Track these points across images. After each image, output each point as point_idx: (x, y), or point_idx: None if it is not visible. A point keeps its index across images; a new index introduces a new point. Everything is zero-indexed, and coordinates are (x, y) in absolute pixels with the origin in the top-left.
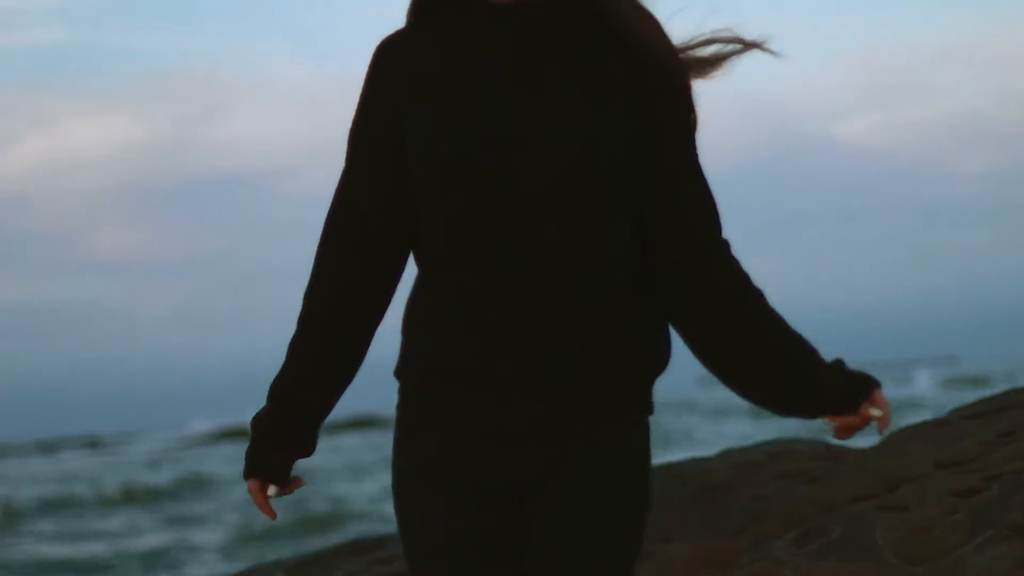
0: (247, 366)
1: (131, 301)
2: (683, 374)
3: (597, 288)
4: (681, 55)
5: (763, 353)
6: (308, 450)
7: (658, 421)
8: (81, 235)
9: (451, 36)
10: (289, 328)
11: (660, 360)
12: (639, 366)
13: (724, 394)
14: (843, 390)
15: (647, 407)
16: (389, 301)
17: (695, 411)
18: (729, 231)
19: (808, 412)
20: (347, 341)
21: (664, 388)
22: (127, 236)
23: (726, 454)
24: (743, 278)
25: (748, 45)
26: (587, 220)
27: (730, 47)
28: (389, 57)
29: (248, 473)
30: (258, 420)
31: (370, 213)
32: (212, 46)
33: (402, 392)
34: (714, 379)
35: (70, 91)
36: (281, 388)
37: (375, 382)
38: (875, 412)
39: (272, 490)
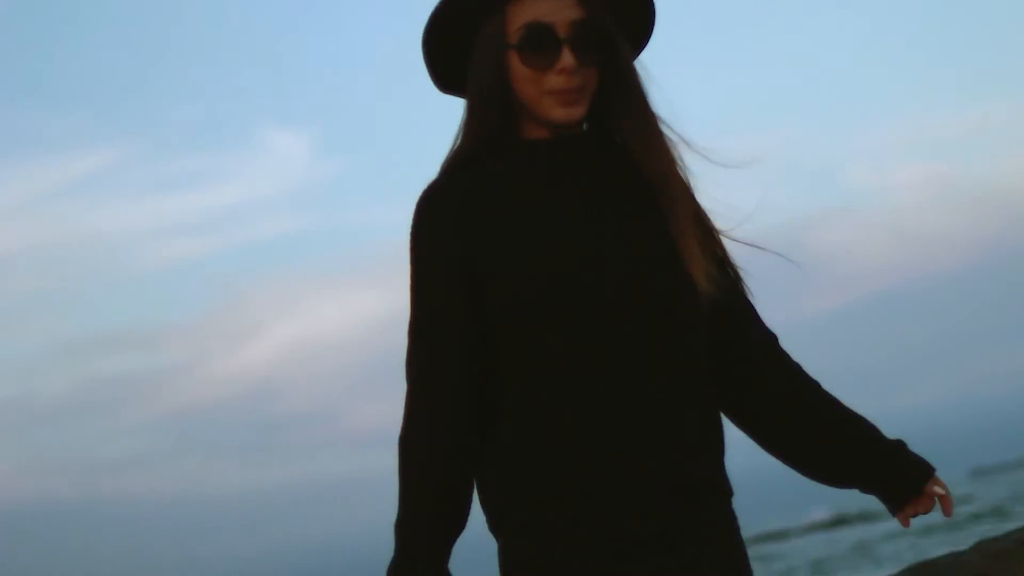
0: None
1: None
2: None
3: (695, 418)
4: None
5: (824, 436)
6: None
7: None
8: (338, 411)
9: (499, 173)
10: None
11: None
12: (721, 463)
13: None
14: (907, 470)
15: (730, 491)
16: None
17: None
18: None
19: (871, 488)
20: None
21: None
22: (382, 409)
23: (979, 545)
24: (799, 370)
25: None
26: (688, 339)
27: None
28: (438, 205)
29: None
30: None
31: (466, 363)
32: None
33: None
34: None
35: (310, 274)
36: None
37: None
38: (939, 490)
39: None
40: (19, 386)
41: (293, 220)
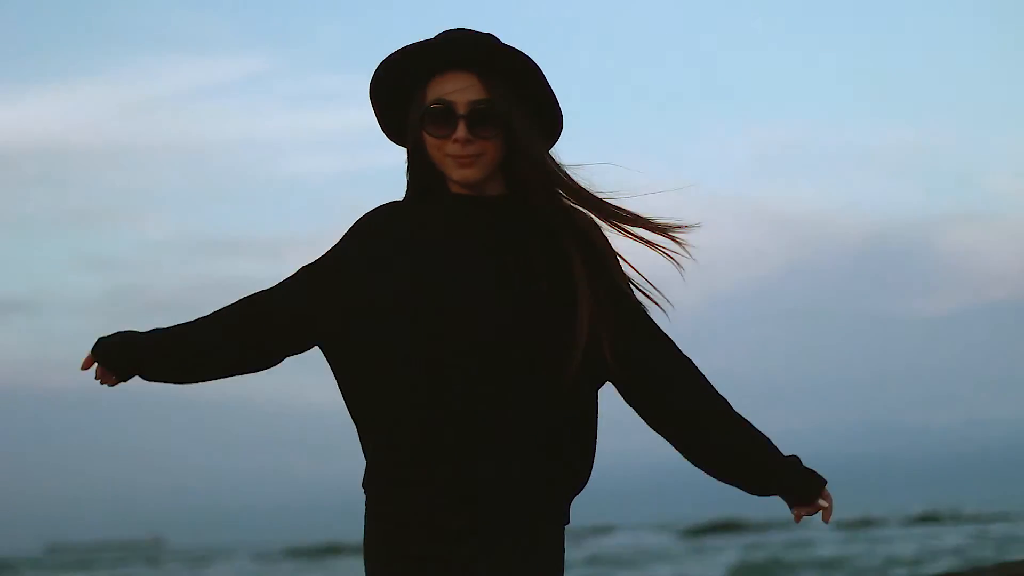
0: None
1: None
2: None
3: (511, 456)
4: (619, 226)
5: (735, 446)
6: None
7: None
8: None
9: (421, 219)
10: None
11: (575, 480)
12: (550, 483)
13: None
14: (804, 482)
15: (560, 519)
16: (234, 368)
17: None
18: None
19: (774, 492)
20: (204, 356)
21: None
22: None
23: (1003, 566)
24: (711, 392)
25: (663, 232)
26: (511, 374)
27: (651, 235)
28: (366, 230)
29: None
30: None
31: (270, 313)
32: None
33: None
34: None
35: None
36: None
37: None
38: (823, 503)
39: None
40: (136, 274)
41: None
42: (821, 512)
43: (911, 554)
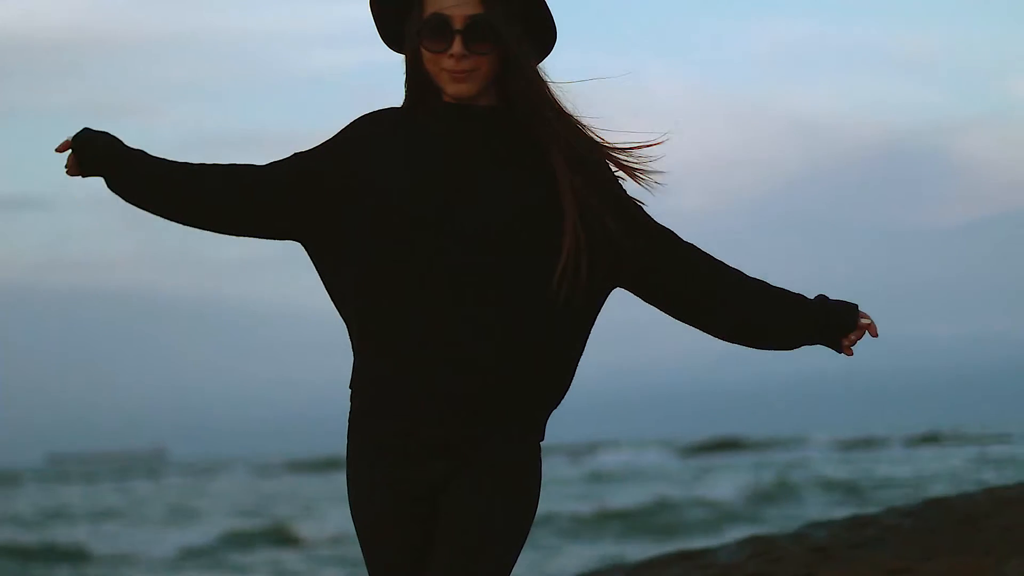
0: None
1: None
2: None
3: (494, 349)
4: (602, 149)
5: (765, 310)
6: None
7: None
8: None
9: (415, 126)
10: None
11: (554, 394)
12: (529, 396)
13: None
14: (841, 312)
15: (537, 431)
16: (216, 221)
17: None
18: None
19: (818, 337)
20: (190, 195)
21: None
22: None
23: (991, 490)
24: (723, 266)
25: (629, 158)
26: (504, 278)
27: (623, 157)
28: (361, 131)
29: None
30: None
31: (254, 185)
32: None
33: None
34: None
35: None
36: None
37: (736, 405)
38: (865, 320)
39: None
40: None
41: None
42: (868, 330)
43: (908, 476)
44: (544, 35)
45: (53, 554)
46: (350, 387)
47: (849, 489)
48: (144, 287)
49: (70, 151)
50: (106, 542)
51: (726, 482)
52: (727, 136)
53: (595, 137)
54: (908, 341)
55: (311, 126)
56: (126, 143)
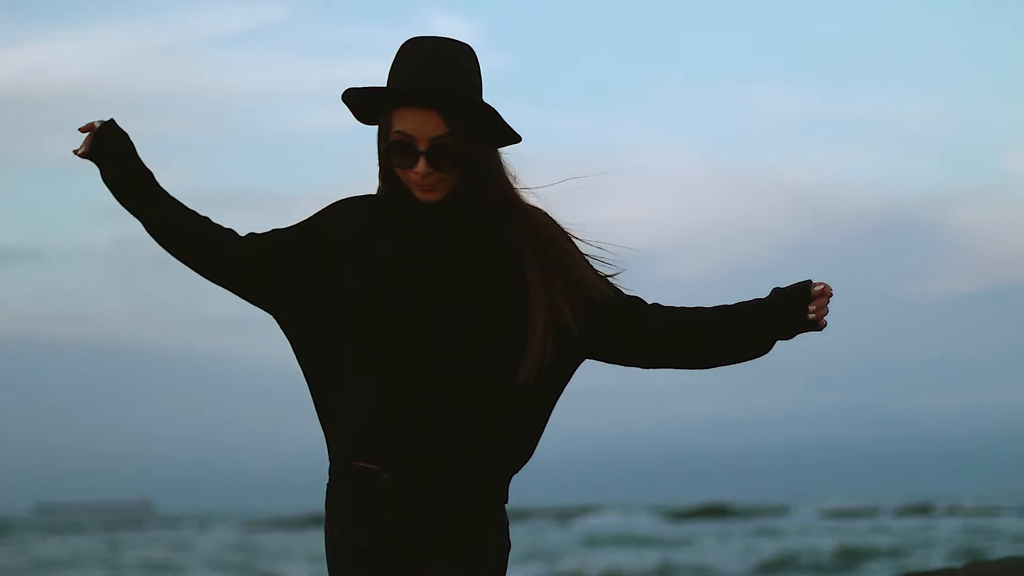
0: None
1: None
2: None
3: (463, 430)
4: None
5: (728, 325)
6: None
7: None
8: None
9: (388, 213)
10: None
11: (515, 460)
12: (490, 461)
13: None
14: (795, 293)
15: (499, 493)
16: (201, 263)
17: None
18: None
19: (784, 325)
20: (180, 232)
21: None
22: None
23: (976, 565)
24: (679, 308)
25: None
26: (464, 355)
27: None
28: (337, 214)
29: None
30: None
31: (234, 256)
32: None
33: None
34: None
35: None
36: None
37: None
38: (818, 287)
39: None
40: (137, 227)
41: None
42: (823, 293)
43: (891, 546)
44: (511, 137)
45: None
46: (329, 454)
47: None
48: (134, 340)
49: (90, 133)
50: None
51: (724, 549)
52: (724, 205)
53: (565, 238)
54: (901, 411)
55: (306, 186)
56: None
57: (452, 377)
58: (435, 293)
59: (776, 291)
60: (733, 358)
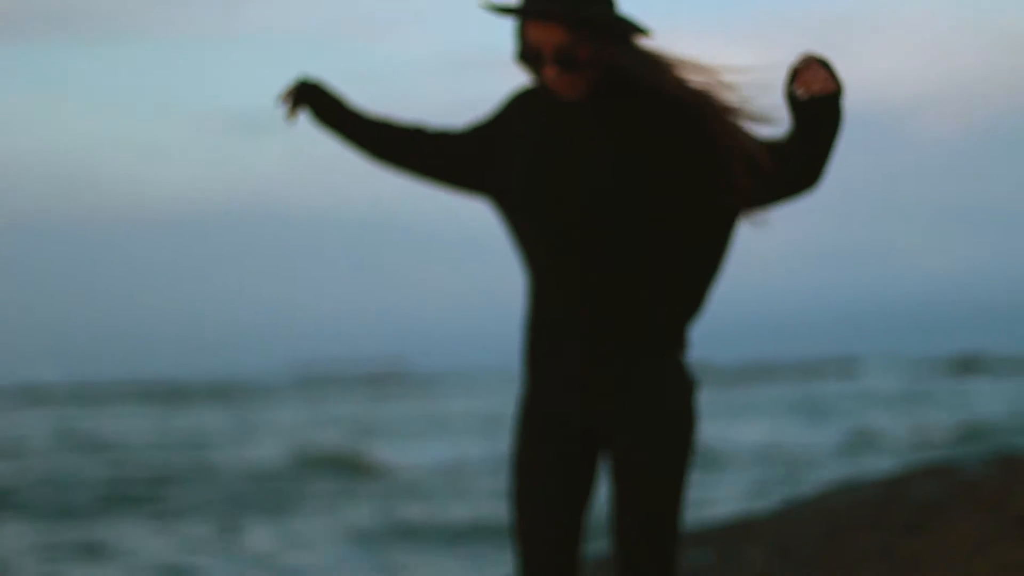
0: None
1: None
2: None
3: (612, 323)
4: (706, 95)
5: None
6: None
7: None
8: None
9: (547, 109)
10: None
11: (687, 313)
12: (664, 322)
13: None
14: (787, 85)
15: (680, 346)
16: (403, 161)
17: None
18: None
19: (807, 104)
20: (384, 142)
21: None
22: None
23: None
24: (784, 147)
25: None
26: (623, 239)
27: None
28: (516, 106)
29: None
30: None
31: (431, 146)
32: None
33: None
34: None
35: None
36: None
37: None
38: (802, 64)
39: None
40: (391, 90)
41: None
42: (797, 63)
43: None
44: (638, 33)
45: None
46: (524, 326)
47: None
48: (389, 207)
49: (288, 102)
50: (379, 454)
51: None
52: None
53: (711, 87)
54: None
55: None
56: (341, 99)
57: (594, 275)
58: (578, 180)
59: (800, 101)
60: (821, 160)
